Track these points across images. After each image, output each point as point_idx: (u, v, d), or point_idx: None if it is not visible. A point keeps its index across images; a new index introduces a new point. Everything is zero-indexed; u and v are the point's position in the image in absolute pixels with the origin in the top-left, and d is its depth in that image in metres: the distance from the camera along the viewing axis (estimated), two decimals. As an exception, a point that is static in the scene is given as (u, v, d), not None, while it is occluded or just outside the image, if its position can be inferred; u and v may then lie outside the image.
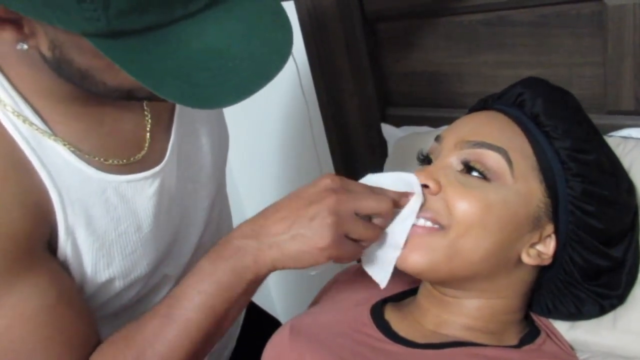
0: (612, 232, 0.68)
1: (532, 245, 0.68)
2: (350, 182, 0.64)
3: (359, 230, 0.62)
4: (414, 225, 0.67)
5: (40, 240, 0.62)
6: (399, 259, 0.66)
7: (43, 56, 0.53)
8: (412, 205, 0.66)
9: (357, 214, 0.62)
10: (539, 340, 0.69)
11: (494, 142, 0.67)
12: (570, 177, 0.67)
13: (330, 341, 0.69)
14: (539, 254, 0.68)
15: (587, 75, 0.87)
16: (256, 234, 0.61)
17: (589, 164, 0.67)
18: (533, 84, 0.73)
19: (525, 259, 0.68)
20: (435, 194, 0.67)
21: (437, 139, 0.73)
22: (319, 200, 0.60)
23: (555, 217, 0.68)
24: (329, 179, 0.62)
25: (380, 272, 0.67)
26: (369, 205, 0.62)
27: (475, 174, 0.67)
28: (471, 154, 0.67)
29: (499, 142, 0.67)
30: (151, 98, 0.58)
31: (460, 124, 0.73)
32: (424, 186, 0.67)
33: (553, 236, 0.68)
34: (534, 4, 0.89)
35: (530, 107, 0.70)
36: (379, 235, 0.65)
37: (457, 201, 0.65)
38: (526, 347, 0.68)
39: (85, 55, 0.52)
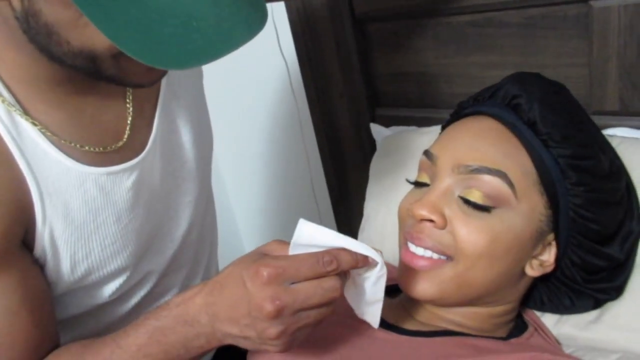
0: (609, 231, 0.68)
1: (535, 257, 0.68)
2: (290, 273, 0.55)
3: (308, 323, 0.57)
4: (416, 256, 0.66)
5: (14, 240, 0.61)
6: (407, 287, 0.67)
7: (14, 11, 0.52)
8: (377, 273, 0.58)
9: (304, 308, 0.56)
10: (526, 334, 0.71)
11: (493, 165, 0.64)
12: (571, 186, 0.65)
13: (321, 332, 0.69)
14: (542, 263, 0.68)
15: (573, 76, 0.88)
16: (210, 321, 0.59)
17: (589, 170, 0.66)
18: (527, 83, 0.70)
19: (529, 271, 0.68)
20: (442, 228, 0.65)
21: (430, 157, 0.69)
22: (261, 318, 0.55)
23: (555, 225, 0.67)
24: (266, 278, 0.54)
25: (371, 318, 0.63)
26: (315, 301, 0.55)
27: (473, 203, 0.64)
28: (470, 179, 0.65)
29: (498, 164, 0.64)
30: (116, 78, 0.57)
31: (455, 141, 0.69)
32: (429, 221, 0.65)
33: (554, 243, 0.68)
34: (521, 6, 0.90)
35: (526, 113, 0.66)
36: (330, 312, 0.58)
37: (464, 235, 0.64)
38: (513, 340, 0.69)
39: (53, 4, 0.50)
